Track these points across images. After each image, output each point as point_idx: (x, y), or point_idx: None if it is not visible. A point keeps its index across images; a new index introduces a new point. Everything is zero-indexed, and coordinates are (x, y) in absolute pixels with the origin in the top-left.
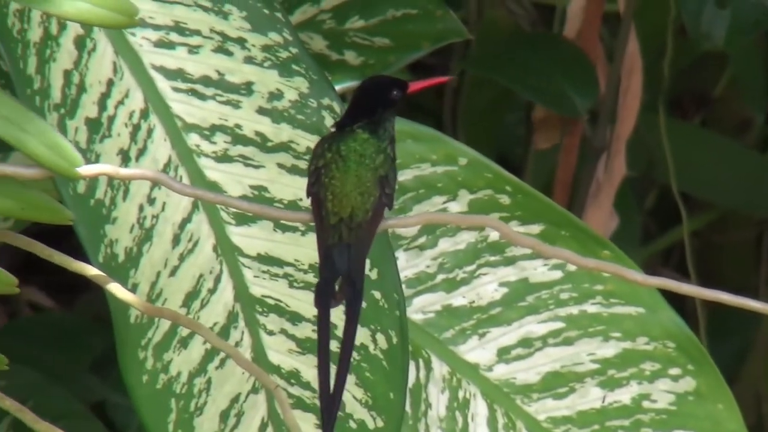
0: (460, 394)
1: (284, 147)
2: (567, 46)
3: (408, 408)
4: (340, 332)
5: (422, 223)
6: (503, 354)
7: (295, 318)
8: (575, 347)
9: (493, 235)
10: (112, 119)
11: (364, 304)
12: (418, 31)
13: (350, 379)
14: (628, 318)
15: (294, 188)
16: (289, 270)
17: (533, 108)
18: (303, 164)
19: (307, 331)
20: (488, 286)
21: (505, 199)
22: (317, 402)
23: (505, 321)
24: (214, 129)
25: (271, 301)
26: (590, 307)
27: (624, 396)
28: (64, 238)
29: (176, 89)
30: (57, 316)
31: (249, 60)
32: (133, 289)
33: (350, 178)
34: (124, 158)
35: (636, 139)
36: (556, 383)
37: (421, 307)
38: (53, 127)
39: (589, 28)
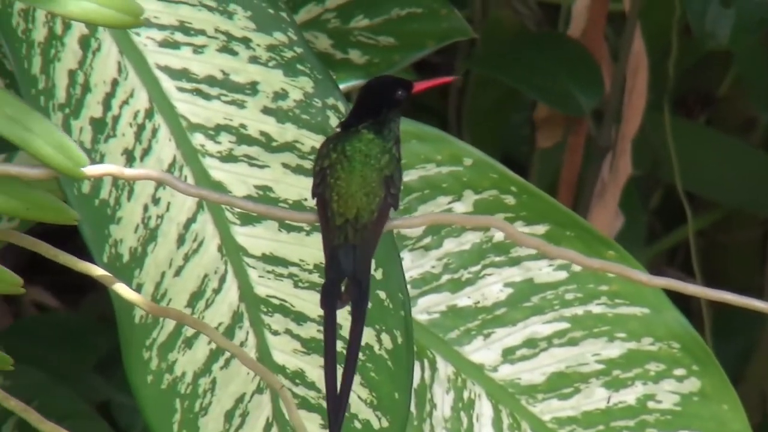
0: (465, 395)
1: (289, 147)
2: (572, 46)
3: (413, 408)
4: (344, 333)
5: (427, 223)
6: (508, 354)
7: (300, 318)
8: (580, 348)
9: (498, 236)
10: (116, 119)
11: (369, 305)
12: (423, 30)
13: (355, 379)
14: (633, 318)
15: (299, 188)
16: (293, 270)
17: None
18: (308, 164)
19: (312, 331)
20: (493, 287)
21: (510, 200)
22: (322, 402)
23: (510, 321)
24: (219, 129)
25: (275, 301)
26: (595, 308)
27: (629, 396)
28: (69, 238)
29: (181, 89)
30: (62, 316)
31: (254, 60)
32: (138, 289)
33: (355, 178)
34: (129, 158)
35: (641, 139)
36: (561, 384)
37: (426, 308)
38: (58, 127)
39: (594, 27)
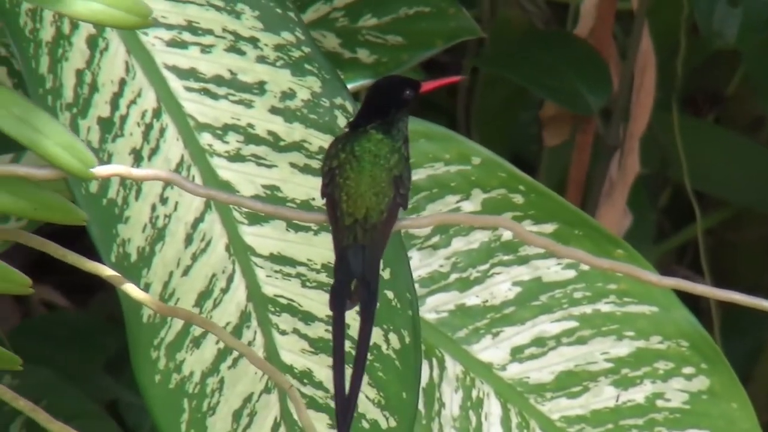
0: (474, 394)
1: (297, 146)
2: (580, 45)
3: (421, 407)
4: (351, 333)
5: (435, 223)
6: (517, 353)
7: (308, 318)
8: (589, 346)
9: (507, 234)
10: (124, 119)
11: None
12: (431, 29)
13: (363, 379)
14: (642, 317)
15: (306, 188)
16: (301, 270)
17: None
18: (315, 164)
19: (320, 330)
20: (502, 286)
21: (518, 199)
22: (330, 402)
23: (519, 320)
24: (227, 128)
25: (283, 301)
26: (604, 306)
27: (638, 395)
28: (77, 237)
29: (189, 89)
30: (71, 316)
31: (261, 59)
32: (146, 288)
33: (365, 178)
34: (137, 158)
35: (649, 137)
36: (570, 382)
37: (434, 307)
38: (66, 127)
39: (602, 26)
